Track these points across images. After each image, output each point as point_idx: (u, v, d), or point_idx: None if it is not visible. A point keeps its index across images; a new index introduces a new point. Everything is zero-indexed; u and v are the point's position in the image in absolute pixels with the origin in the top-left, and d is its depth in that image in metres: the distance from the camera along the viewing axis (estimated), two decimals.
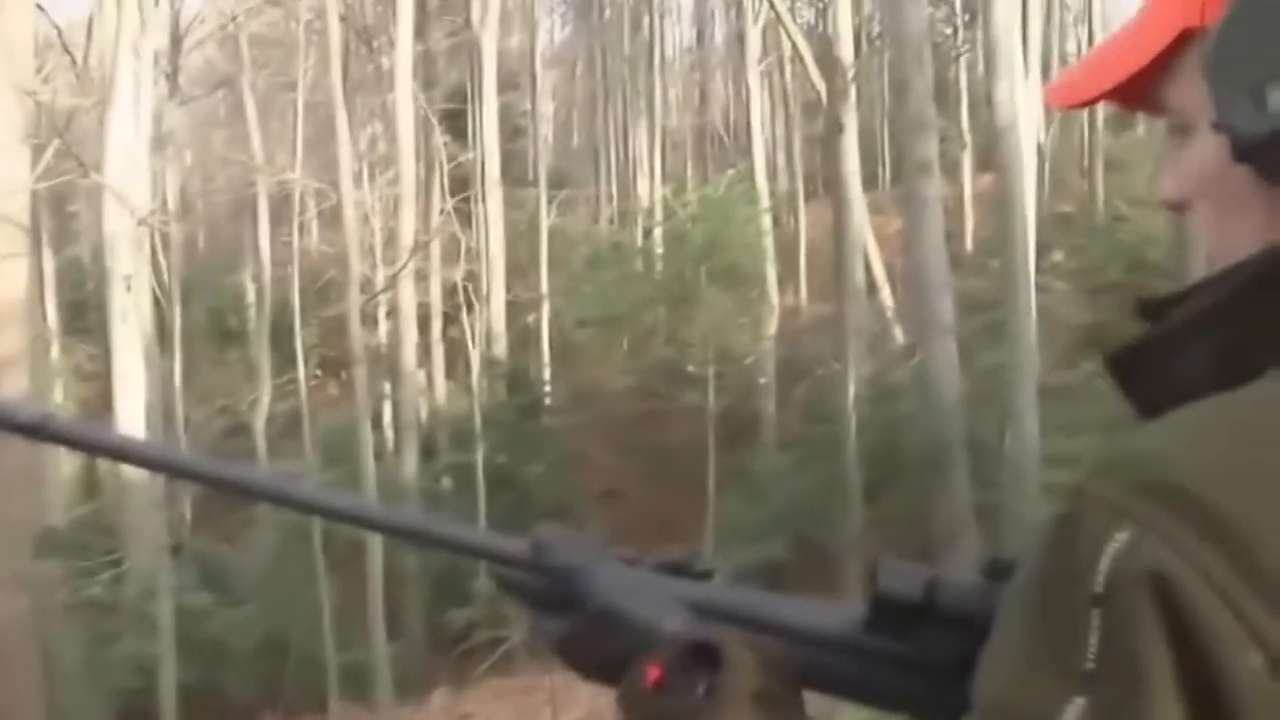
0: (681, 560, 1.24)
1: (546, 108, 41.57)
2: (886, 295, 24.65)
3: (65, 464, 22.63)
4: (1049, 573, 0.88)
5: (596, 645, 1.19)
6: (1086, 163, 31.43)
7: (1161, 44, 1.02)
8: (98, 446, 1.40)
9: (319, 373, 29.49)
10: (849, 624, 1.16)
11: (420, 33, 27.64)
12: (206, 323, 32.12)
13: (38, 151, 17.61)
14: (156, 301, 17.43)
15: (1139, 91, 1.06)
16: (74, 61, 27.84)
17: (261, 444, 25.45)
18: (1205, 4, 0.99)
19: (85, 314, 31.21)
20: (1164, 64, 1.03)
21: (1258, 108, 0.93)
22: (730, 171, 32.65)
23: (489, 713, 14.41)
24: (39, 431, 1.29)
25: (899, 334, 23.67)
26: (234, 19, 28.72)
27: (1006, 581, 0.97)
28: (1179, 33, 1.01)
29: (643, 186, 38.41)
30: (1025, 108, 15.76)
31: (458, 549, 1.31)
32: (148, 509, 18.26)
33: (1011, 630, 0.90)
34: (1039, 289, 16.74)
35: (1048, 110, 23.52)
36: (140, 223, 16.63)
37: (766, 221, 29.03)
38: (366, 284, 22.14)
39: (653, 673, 1.10)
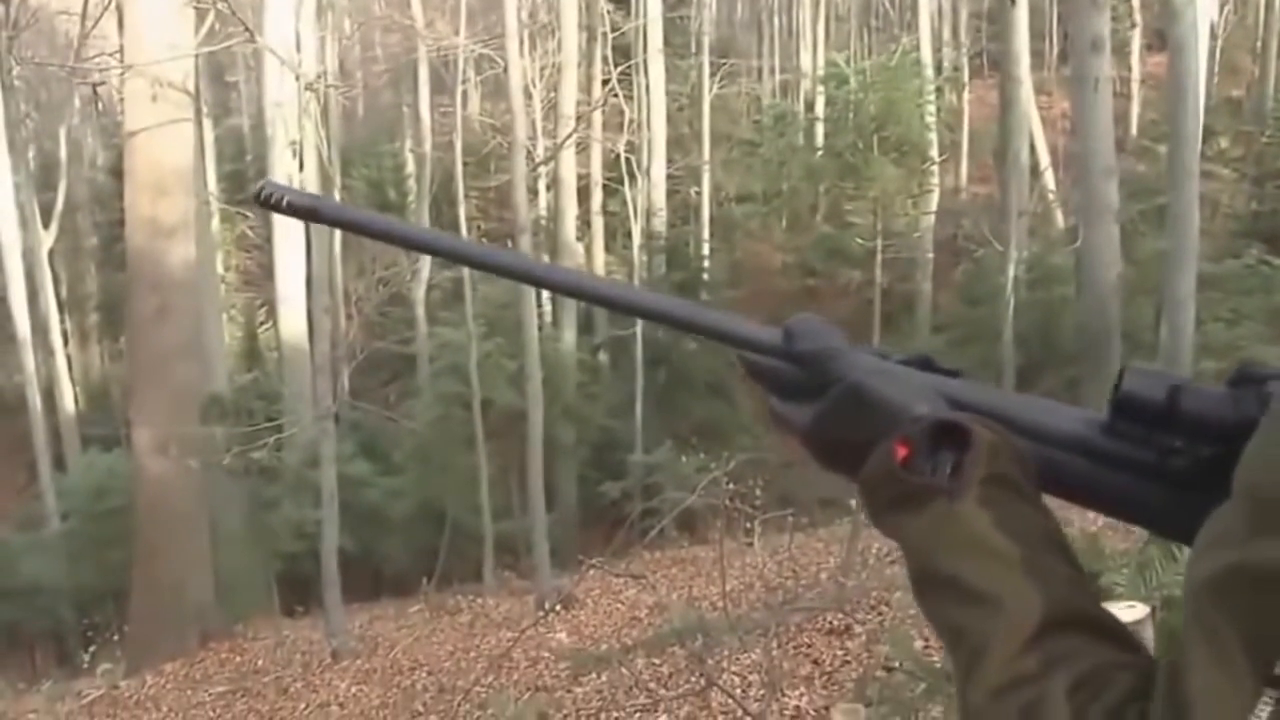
0: (928, 357, 1.22)
1: None
2: (1049, 178, 24.08)
3: (229, 333, 23.16)
4: None
5: (845, 425, 1.16)
6: (1260, 45, 30.25)
7: None
8: (365, 227, 1.45)
9: (481, 243, 29.71)
10: (1092, 427, 1.13)
11: None
12: (367, 192, 32.47)
13: (199, 18, 17.76)
14: (318, 169, 17.56)
15: None
16: None
17: (421, 313, 25.77)
18: None
19: (244, 184, 31.73)
20: None
21: None
22: (902, 43, 31.96)
23: (649, 577, 14.55)
24: (312, 214, 1.41)
25: (1060, 218, 23.16)
26: None
27: (1252, 389, 1.01)
28: None
29: (805, 59, 37.82)
30: None
31: (709, 334, 1.31)
32: (309, 377, 18.63)
33: None
34: (1203, 176, 16.26)
35: None
36: (308, 87, 16.69)
37: (931, 97, 28.46)
38: (528, 155, 22.16)
39: (901, 451, 1.08)
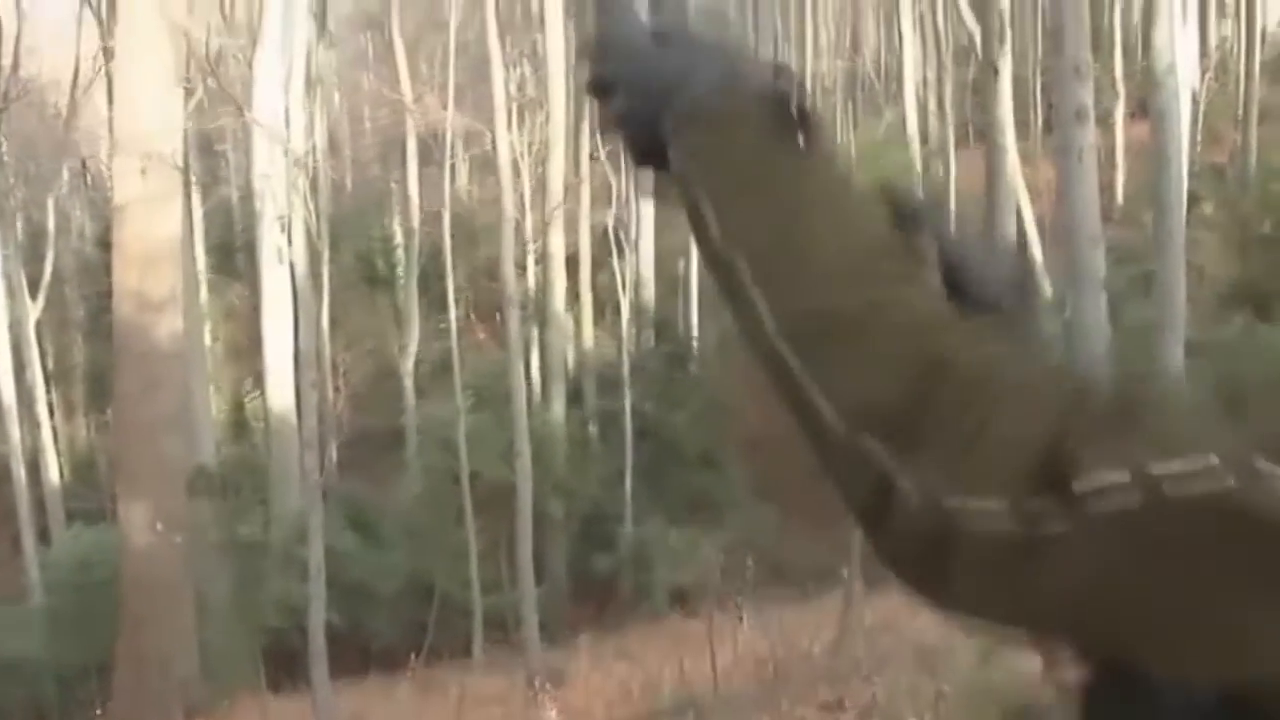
0: None
1: None
2: (1037, 247, 24.16)
3: (216, 405, 23.07)
4: None
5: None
6: (1241, 113, 30.56)
7: None
8: None
9: (467, 317, 29.73)
10: None
11: None
12: (355, 266, 32.49)
13: (189, 93, 17.83)
14: (306, 244, 17.58)
15: None
16: (224, 2, 28.19)
17: (409, 386, 25.72)
18: None
19: (233, 256, 31.72)
20: None
21: None
22: (886, 115, 32.19)
23: (640, 652, 14.45)
24: None
25: (1048, 287, 23.20)
26: None
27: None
28: None
29: None
30: (1182, 53, 15.28)
31: None
32: (296, 451, 18.55)
33: None
34: (1189, 243, 16.36)
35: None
36: (296, 163, 16.78)
37: (916, 168, 28.61)
38: (517, 228, 22.19)
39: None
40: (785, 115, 1.02)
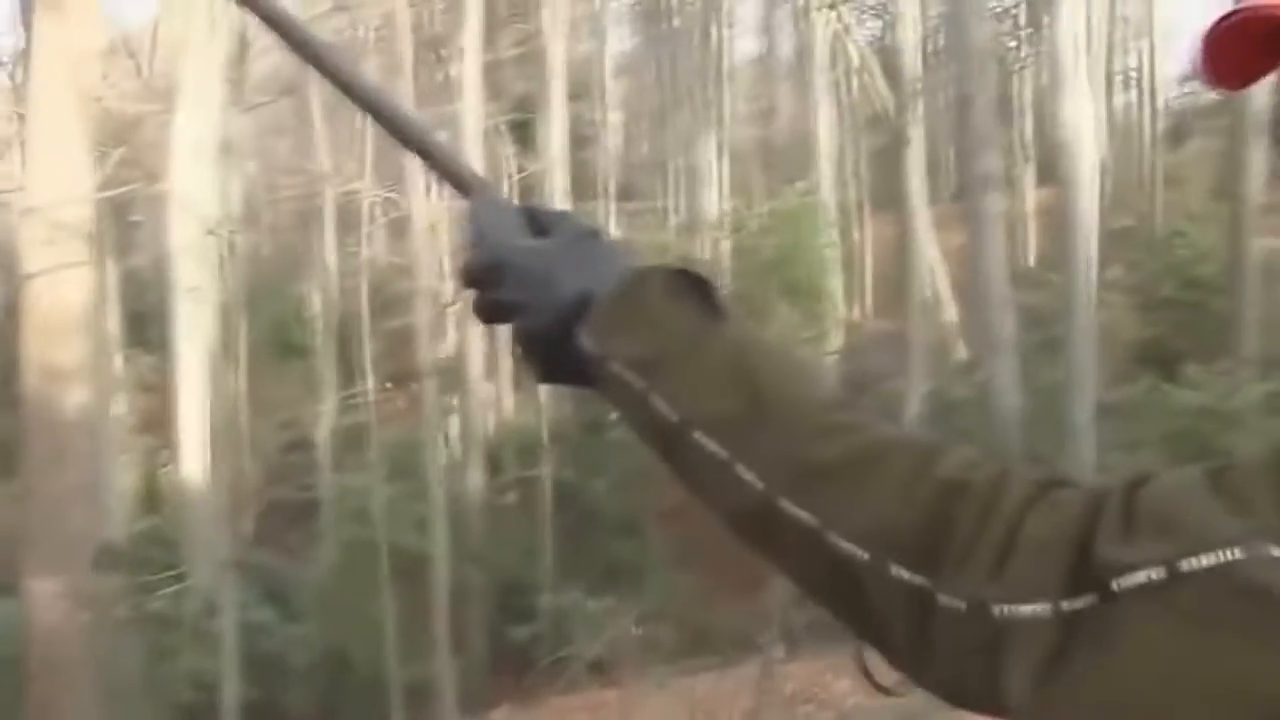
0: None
1: (614, 118, 41.43)
2: (950, 310, 24.44)
3: (127, 477, 22.75)
4: None
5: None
6: (1146, 177, 31.27)
7: None
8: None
9: (385, 386, 29.54)
10: None
11: (488, 41, 27.61)
12: (270, 335, 32.21)
13: (101, 159, 17.68)
14: (221, 313, 17.43)
15: None
16: (138, 68, 28.01)
17: (326, 457, 25.50)
18: None
19: (146, 325, 31.35)
20: None
21: None
22: (798, 184, 32.45)
23: None
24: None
25: (962, 349, 23.47)
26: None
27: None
28: None
29: (708, 198, 38.26)
30: (1087, 121, 15.59)
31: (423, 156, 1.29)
32: (209, 523, 18.31)
33: None
34: (1098, 304, 16.62)
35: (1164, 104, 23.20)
36: (210, 233, 16.65)
37: (831, 236, 28.85)
38: (435, 294, 22.15)
39: None
40: (701, 291, 1.08)
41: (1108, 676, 0.84)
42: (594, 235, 1.17)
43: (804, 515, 0.96)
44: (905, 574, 0.92)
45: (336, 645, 20.18)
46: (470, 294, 1.17)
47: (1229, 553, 0.82)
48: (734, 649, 16.51)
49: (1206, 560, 0.82)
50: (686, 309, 1.07)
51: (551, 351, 1.14)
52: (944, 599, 0.90)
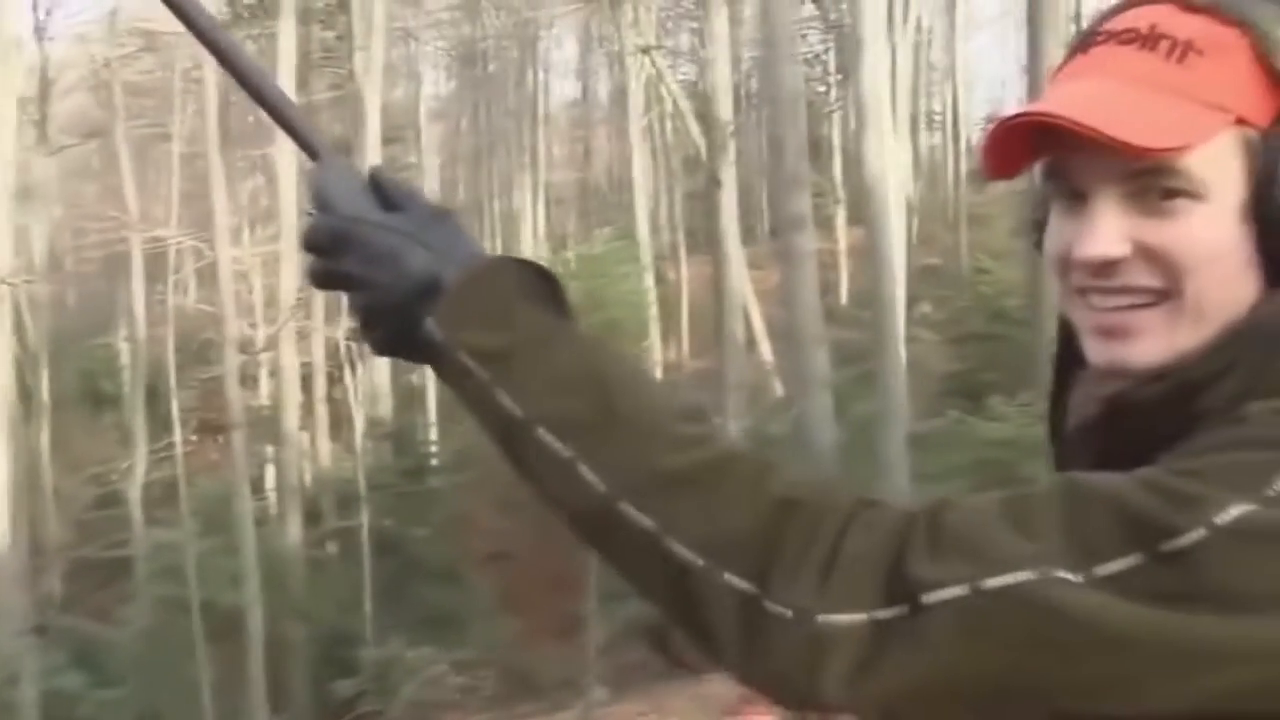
0: None
1: (430, 162, 41.29)
2: (766, 349, 24.70)
3: None
4: None
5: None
6: (952, 217, 32.20)
7: (1218, 128, 1.08)
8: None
9: (196, 437, 28.91)
10: None
11: (302, 84, 27.31)
12: (77, 386, 31.35)
13: None
14: (18, 365, 16.83)
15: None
16: None
17: (137, 513, 24.84)
18: (1264, 107, 1.08)
19: None
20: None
21: None
22: (608, 229, 32.64)
23: None
24: None
25: (778, 386, 23.74)
26: (106, 65, 28.14)
27: None
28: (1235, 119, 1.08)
29: (526, 241, 38.28)
30: (894, 163, 15.91)
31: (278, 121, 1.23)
32: (9, 586, 17.66)
33: None
34: (908, 340, 16.95)
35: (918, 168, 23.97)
36: (4, 281, 16.09)
37: (648, 277, 28.99)
38: (246, 343, 21.76)
39: None
40: (550, 290, 1.10)
41: (912, 677, 0.96)
42: (445, 216, 1.16)
43: (644, 520, 1.00)
44: (738, 581, 0.98)
45: (151, 709, 19.62)
46: (309, 259, 1.14)
47: (1021, 574, 0.93)
48: (556, 692, 16.42)
49: (1003, 580, 0.93)
50: (537, 306, 1.08)
51: (392, 329, 1.12)
52: (772, 606, 0.97)
